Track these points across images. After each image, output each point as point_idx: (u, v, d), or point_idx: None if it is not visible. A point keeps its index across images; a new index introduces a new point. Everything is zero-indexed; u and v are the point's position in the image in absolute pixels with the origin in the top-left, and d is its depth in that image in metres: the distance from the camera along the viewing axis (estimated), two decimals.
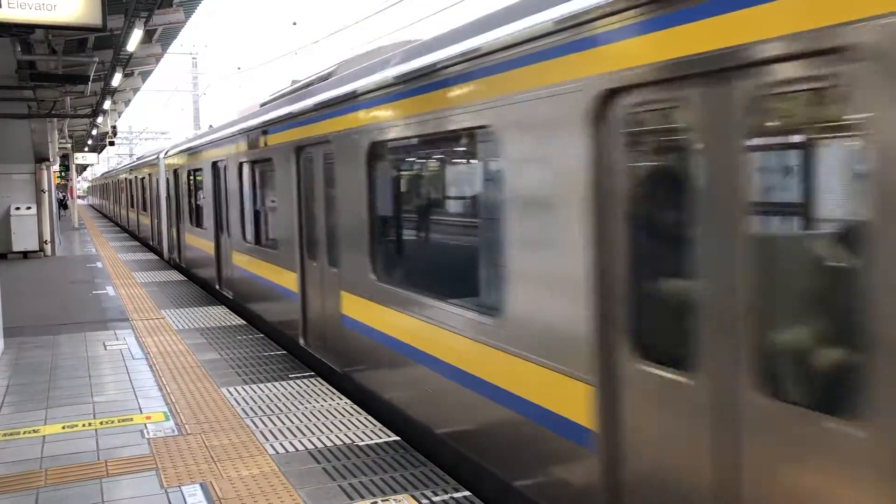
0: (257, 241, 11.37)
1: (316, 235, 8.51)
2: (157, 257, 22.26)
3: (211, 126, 20.85)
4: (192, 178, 16.49)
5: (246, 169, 11.64)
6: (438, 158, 6.82)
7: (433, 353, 5.79)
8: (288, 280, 9.44)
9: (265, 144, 10.23)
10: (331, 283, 8.00)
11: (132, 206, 31.84)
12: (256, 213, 11.42)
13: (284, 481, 5.37)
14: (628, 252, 3.75)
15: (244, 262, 11.90)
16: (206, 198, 14.62)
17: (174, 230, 19.37)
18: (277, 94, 11.09)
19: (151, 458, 5.91)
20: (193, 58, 52.01)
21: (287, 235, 9.41)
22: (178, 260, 19.03)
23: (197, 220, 16.05)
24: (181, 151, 17.67)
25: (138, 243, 28.28)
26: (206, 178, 14.34)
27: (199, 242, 15.65)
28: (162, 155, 20.52)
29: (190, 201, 16.75)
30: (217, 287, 14.19)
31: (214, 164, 13.63)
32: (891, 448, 2.61)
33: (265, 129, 10.17)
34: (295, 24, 37.63)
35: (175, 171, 18.44)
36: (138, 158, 32.71)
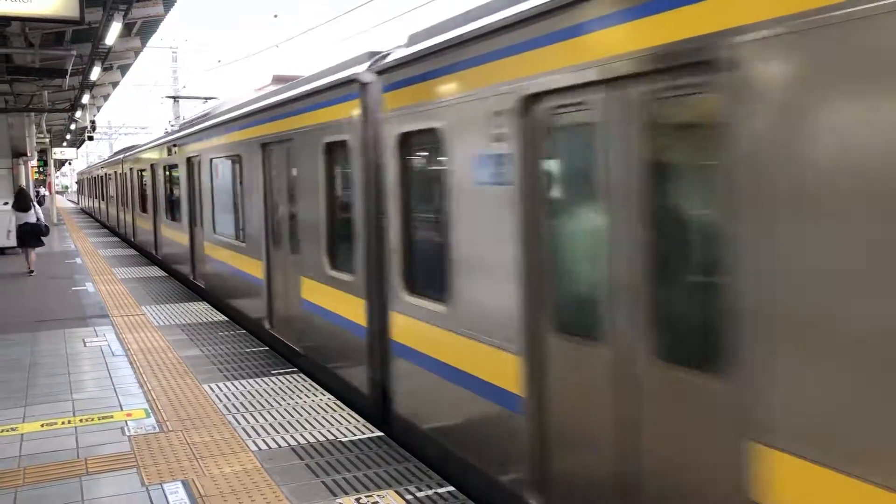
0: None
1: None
2: (136, 252, 22.03)
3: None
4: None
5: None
6: None
7: None
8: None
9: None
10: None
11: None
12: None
13: (267, 478, 5.34)
14: None
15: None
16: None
17: None
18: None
19: (132, 455, 5.85)
20: (173, 51, 51.60)
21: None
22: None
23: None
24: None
25: (117, 238, 27.92)
26: None
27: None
28: None
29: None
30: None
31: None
32: None
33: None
34: (276, 16, 37.39)
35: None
36: None
